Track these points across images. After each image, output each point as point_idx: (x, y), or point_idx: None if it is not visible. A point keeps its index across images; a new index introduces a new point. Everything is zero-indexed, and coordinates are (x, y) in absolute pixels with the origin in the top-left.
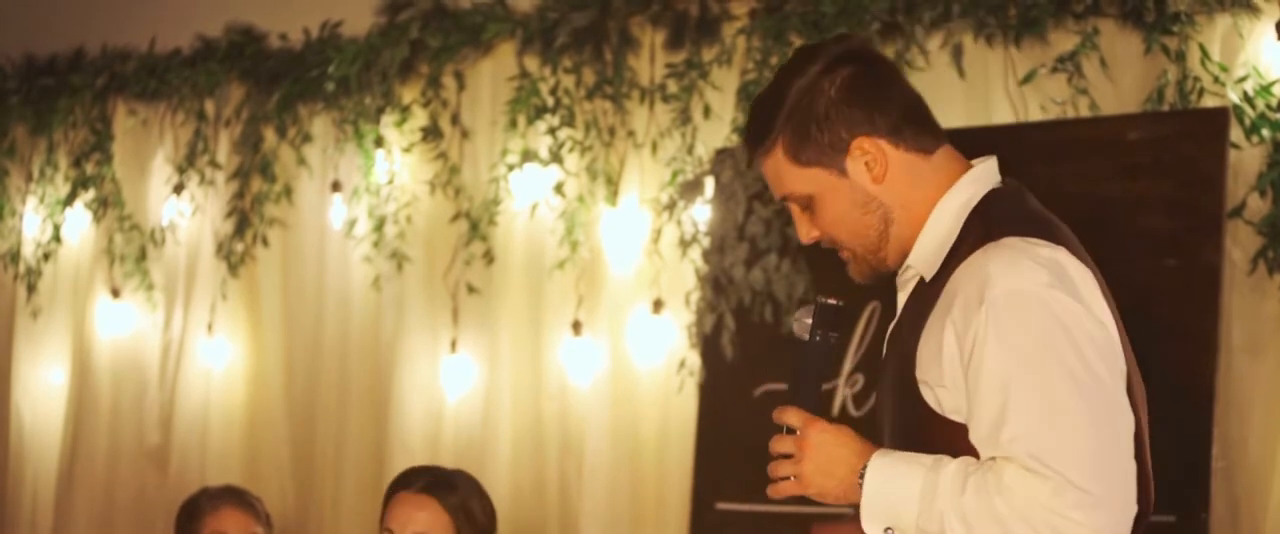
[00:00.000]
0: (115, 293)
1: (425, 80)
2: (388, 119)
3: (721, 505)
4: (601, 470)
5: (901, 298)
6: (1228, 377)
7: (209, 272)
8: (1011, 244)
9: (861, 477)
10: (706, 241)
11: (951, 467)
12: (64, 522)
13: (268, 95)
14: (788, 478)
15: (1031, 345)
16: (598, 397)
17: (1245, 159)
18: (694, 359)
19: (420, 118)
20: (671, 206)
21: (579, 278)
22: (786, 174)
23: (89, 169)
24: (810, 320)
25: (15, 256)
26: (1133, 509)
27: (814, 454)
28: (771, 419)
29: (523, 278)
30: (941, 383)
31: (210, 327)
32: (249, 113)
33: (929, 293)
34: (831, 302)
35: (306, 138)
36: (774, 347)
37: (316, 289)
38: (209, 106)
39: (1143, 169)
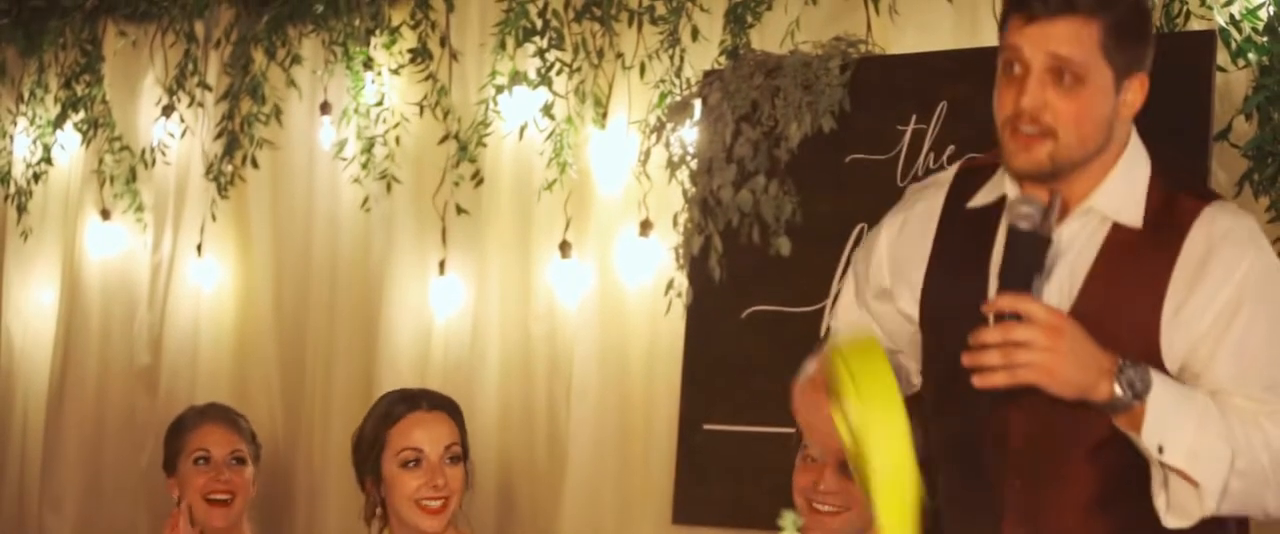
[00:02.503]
0: (105, 214)
1: (414, 2)
2: (377, 40)
3: (709, 426)
4: (589, 391)
5: (1078, 256)
6: None
7: (198, 193)
8: (1227, 207)
9: (1118, 377)
10: (694, 163)
11: (1215, 406)
12: (54, 442)
13: (257, 16)
14: (1026, 366)
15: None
16: (586, 318)
17: (1231, 82)
18: (682, 280)
19: (409, 39)
20: (659, 128)
21: (567, 199)
22: (1088, 48)
23: (79, 90)
24: (1030, 209)
25: (5, 178)
26: None
27: (1069, 345)
28: (760, 341)
29: (511, 199)
30: (1180, 335)
31: (200, 248)
32: (239, 34)
33: (1156, 240)
34: (1033, 197)
35: (296, 59)
36: (761, 268)
37: (306, 210)
38: (199, 28)
39: None
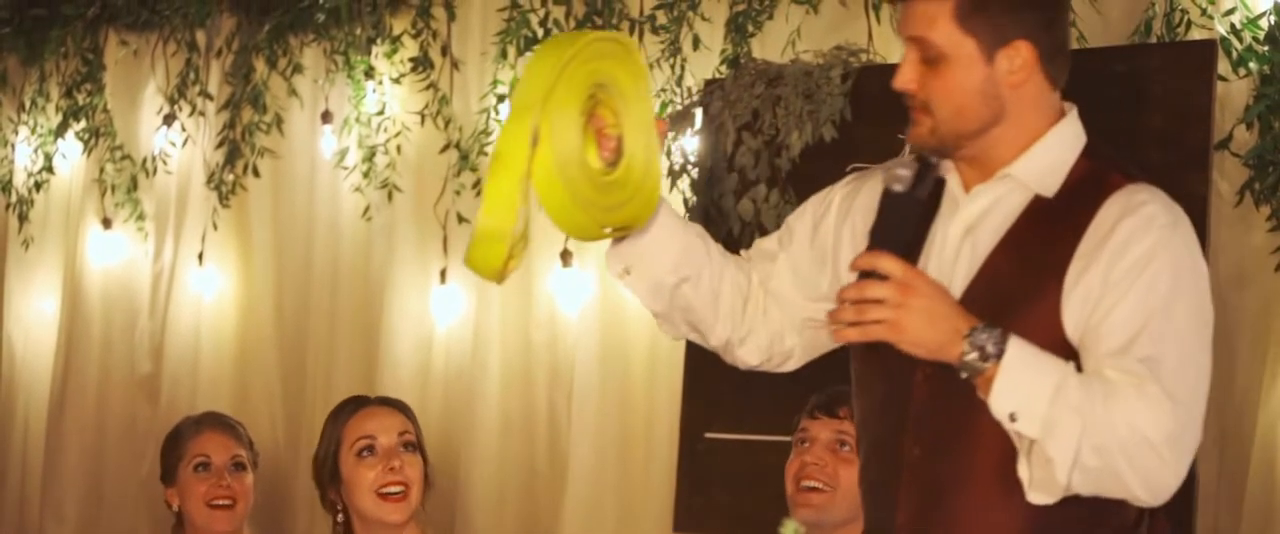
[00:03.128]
0: (106, 223)
1: (416, 11)
2: (378, 50)
3: (710, 435)
4: (590, 400)
5: (972, 205)
6: (1214, 308)
7: (200, 201)
8: (1160, 192)
9: (968, 338)
10: (695, 172)
11: (1075, 375)
12: (56, 450)
13: (259, 26)
14: (877, 322)
15: (1182, 291)
16: (587, 326)
17: (1232, 92)
18: None
19: (411, 48)
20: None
21: None
22: (939, 24)
23: (80, 99)
24: (910, 174)
25: (7, 187)
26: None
27: (919, 303)
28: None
29: None
30: (1080, 306)
31: (201, 256)
32: (240, 43)
33: (1067, 213)
34: (933, 159)
35: (297, 68)
36: None
37: (307, 219)
38: (200, 37)
39: (1130, 102)
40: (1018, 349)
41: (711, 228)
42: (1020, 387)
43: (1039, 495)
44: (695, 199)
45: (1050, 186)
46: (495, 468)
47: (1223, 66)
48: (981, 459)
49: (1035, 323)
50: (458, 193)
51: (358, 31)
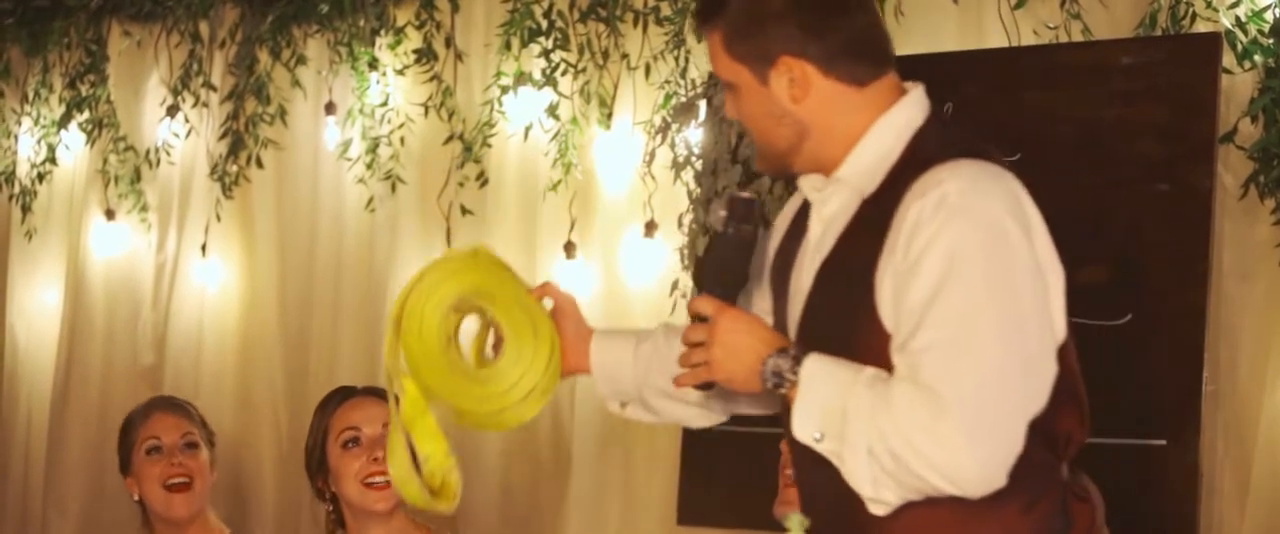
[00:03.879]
0: (109, 214)
1: (419, 2)
2: (382, 41)
3: (713, 427)
4: (593, 393)
5: (821, 214)
6: (1218, 301)
7: (203, 193)
8: (969, 164)
9: (764, 365)
10: (699, 164)
11: (865, 379)
12: (58, 442)
13: (262, 16)
14: (701, 364)
15: (968, 264)
16: (591, 318)
17: (1237, 84)
18: (687, 281)
19: (414, 40)
20: (665, 129)
21: (572, 200)
22: (718, 58)
23: (83, 90)
24: (725, 213)
25: (10, 177)
26: (1012, 455)
27: (724, 338)
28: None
29: (516, 200)
30: (891, 309)
31: (204, 248)
32: (243, 34)
33: (877, 210)
34: (746, 195)
35: (301, 59)
36: None
37: (310, 211)
38: (203, 28)
39: (1135, 94)
40: (811, 368)
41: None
42: (816, 407)
43: (875, 508)
44: (699, 191)
45: (870, 185)
46: (498, 460)
47: (1228, 59)
48: (846, 494)
49: (867, 330)
50: (461, 184)
51: (361, 23)
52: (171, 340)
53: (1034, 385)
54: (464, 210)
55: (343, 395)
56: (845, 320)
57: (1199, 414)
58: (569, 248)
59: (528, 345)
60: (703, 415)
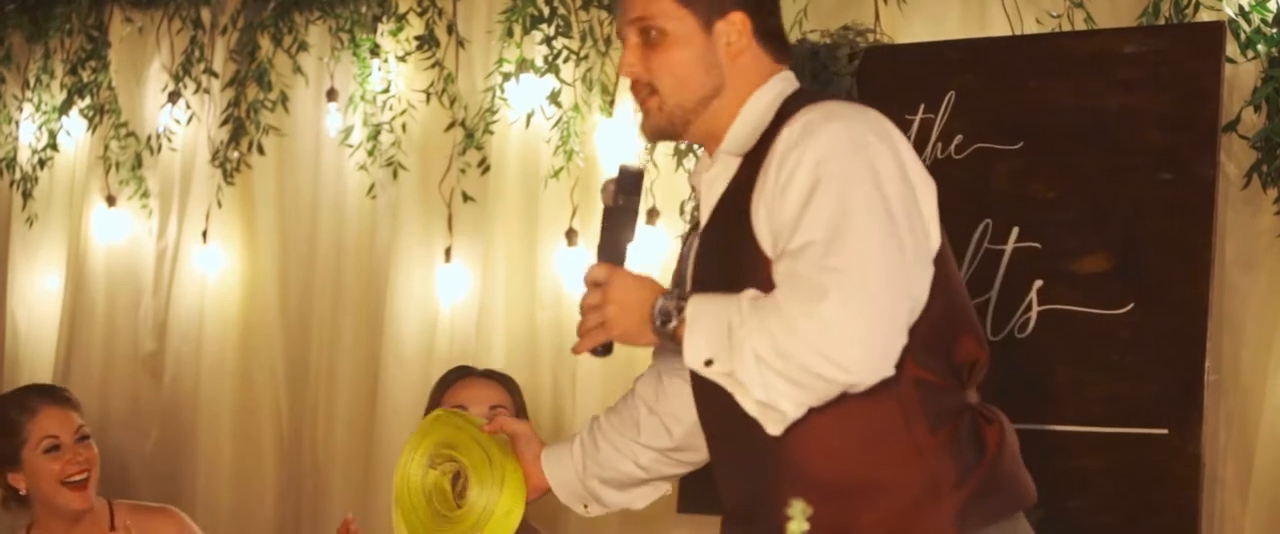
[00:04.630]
0: (111, 200)
1: None
2: (384, 27)
3: None
4: (594, 379)
5: (709, 196)
6: (1221, 291)
7: (204, 179)
8: (830, 101)
9: (653, 309)
10: (701, 151)
11: (747, 296)
12: None
13: (264, 3)
14: (596, 328)
15: (836, 166)
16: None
17: (1240, 73)
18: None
19: (416, 26)
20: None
21: (574, 187)
22: (661, 3)
23: (85, 76)
24: (614, 187)
25: (11, 163)
26: (894, 342)
27: (617, 296)
28: None
29: (518, 187)
30: (769, 237)
31: (205, 234)
32: (245, 20)
33: (750, 164)
34: (635, 167)
35: (302, 46)
36: None
37: (311, 197)
38: (205, 14)
39: (1138, 83)
40: (696, 302)
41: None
42: (703, 333)
43: (773, 427)
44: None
45: (749, 145)
46: None
47: (1231, 48)
48: (748, 427)
49: (751, 265)
50: (463, 171)
51: (363, 9)
52: (172, 327)
53: (910, 276)
54: (465, 197)
55: (455, 376)
56: (729, 259)
57: (1201, 404)
58: (571, 235)
59: (486, 476)
60: (648, 491)
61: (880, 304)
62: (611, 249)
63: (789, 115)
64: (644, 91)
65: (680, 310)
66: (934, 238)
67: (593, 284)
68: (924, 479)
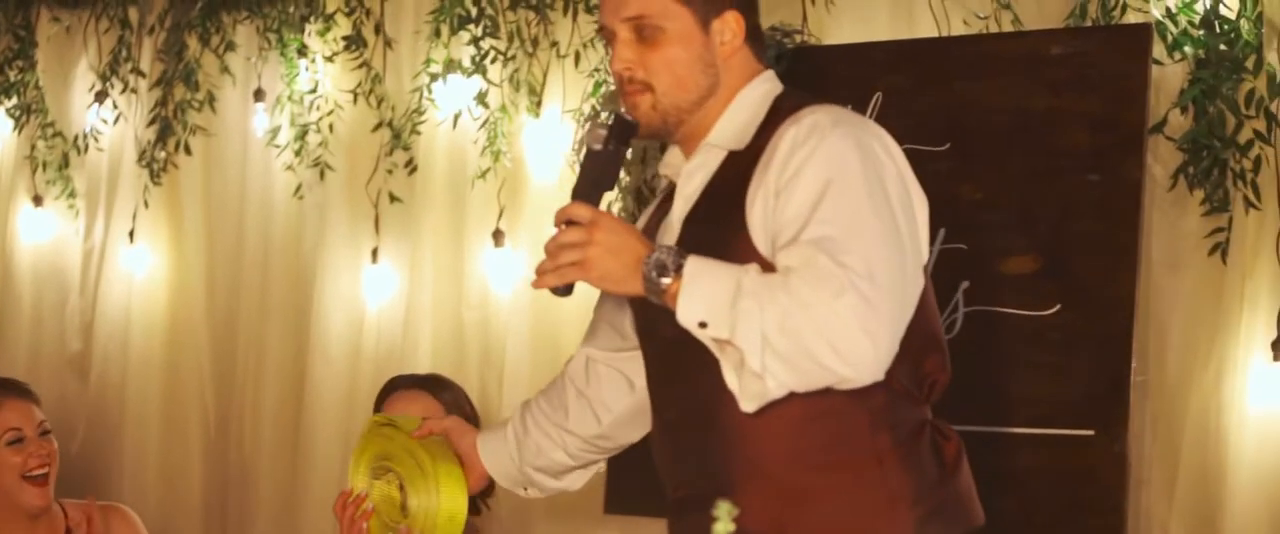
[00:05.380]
0: (37, 200)
1: None
2: (311, 28)
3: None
4: (522, 380)
5: (686, 187)
6: (1147, 292)
7: (131, 179)
8: (833, 106)
9: (647, 260)
10: (629, 153)
11: (754, 268)
12: None
13: (191, 3)
14: (571, 265)
15: (851, 169)
16: (519, 307)
17: (1167, 75)
18: None
19: (344, 26)
20: (594, 117)
21: (501, 188)
22: (658, 2)
23: (11, 76)
24: (605, 132)
25: None
26: (894, 348)
27: (603, 237)
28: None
29: (445, 187)
30: (762, 220)
31: (132, 234)
32: (172, 20)
33: (743, 158)
34: (630, 118)
35: (230, 46)
36: None
37: (238, 198)
38: (133, 14)
39: (1065, 84)
40: (696, 262)
41: (644, 208)
42: (702, 293)
43: (749, 402)
44: (628, 179)
45: (742, 141)
46: None
47: (1158, 50)
48: (709, 415)
49: (739, 254)
50: (390, 172)
51: (291, 9)
52: (99, 327)
53: (909, 287)
54: (392, 198)
55: (388, 389)
56: (716, 251)
57: (1128, 405)
58: (497, 236)
59: (420, 485)
60: (581, 474)
61: (892, 308)
62: (590, 192)
63: (784, 112)
64: (636, 88)
65: (678, 268)
66: (923, 253)
67: (571, 221)
68: (881, 491)
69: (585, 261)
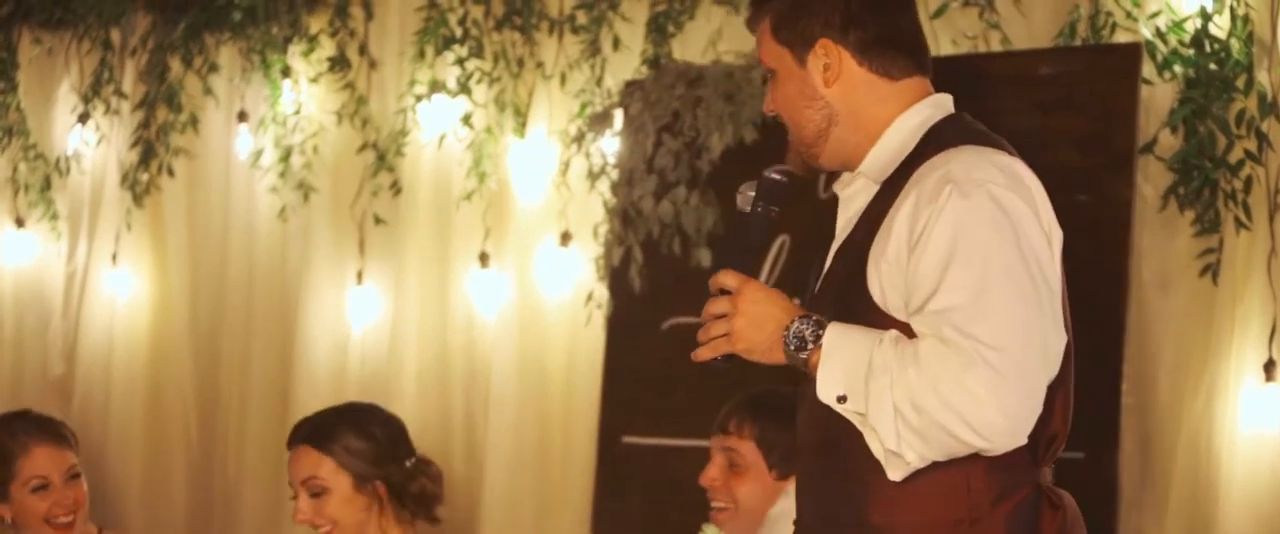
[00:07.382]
0: (19, 222)
1: (333, 10)
2: (295, 49)
3: (628, 439)
4: (508, 403)
5: (845, 212)
6: (1138, 313)
7: (114, 201)
8: (972, 148)
9: (787, 331)
10: (615, 174)
11: (888, 339)
12: None
13: (174, 24)
14: (722, 336)
15: (978, 231)
16: (504, 329)
17: (1157, 95)
18: (602, 292)
19: (328, 47)
20: (580, 138)
21: (486, 210)
22: (764, 44)
23: None
24: (753, 193)
25: None
26: (1035, 412)
27: (747, 309)
28: (680, 353)
29: (430, 209)
30: (890, 277)
31: (115, 257)
32: (155, 42)
33: (885, 195)
34: (777, 176)
35: (213, 67)
36: (682, 279)
37: (222, 220)
38: (115, 35)
39: (1055, 104)
40: (835, 333)
41: (631, 230)
42: (840, 367)
43: (895, 472)
44: (614, 201)
45: (887, 173)
46: None
47: (1147, 70)
48: (851, 460)
49: (858, 306)
50: (374, 194)
51: (274, 30)
52: (82, 350)
53: (1050, 347)
54: (377, 220)
55: (288, 441)
56: (842, 297)
57: (1118, 427)
58: (483, 258)
59: None
60: None
61: (1025, 379)
62: (740, 257)
63: (930, 149)
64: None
65: (817, 338)
66: (1058, 291)
67: (721, 290)
68: None
69: (734, 334)
